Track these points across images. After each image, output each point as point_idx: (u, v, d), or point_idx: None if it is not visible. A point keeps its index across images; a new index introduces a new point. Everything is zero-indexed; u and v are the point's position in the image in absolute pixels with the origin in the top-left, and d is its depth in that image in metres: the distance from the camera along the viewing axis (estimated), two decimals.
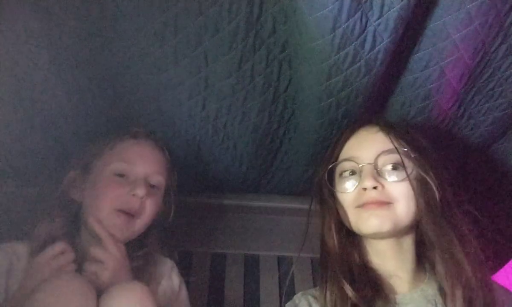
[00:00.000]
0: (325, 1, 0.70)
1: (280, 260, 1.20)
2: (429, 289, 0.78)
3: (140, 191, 0.83)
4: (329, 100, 0.87)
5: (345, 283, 0.74)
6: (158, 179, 0.89)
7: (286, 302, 0.86)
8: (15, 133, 0.97)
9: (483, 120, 1.01)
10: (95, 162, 0.88)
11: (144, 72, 0.87)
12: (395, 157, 0.79)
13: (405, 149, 0.79)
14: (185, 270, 1.13)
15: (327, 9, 0.71)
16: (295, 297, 0.85)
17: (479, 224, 0.80)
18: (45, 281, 0.69)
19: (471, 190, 1.23)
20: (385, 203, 0.76)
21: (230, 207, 1.23)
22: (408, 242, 0.81)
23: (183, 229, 1.16)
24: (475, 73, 0.89)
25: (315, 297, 0.82)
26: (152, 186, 0.88)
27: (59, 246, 0.77)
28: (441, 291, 0.76)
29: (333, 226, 0.82)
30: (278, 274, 1.16)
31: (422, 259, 0.82)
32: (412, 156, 0.79)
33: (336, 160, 0.85)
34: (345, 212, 0.81)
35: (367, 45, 0.77)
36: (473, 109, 0.99)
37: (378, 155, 0.79)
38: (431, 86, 0.89)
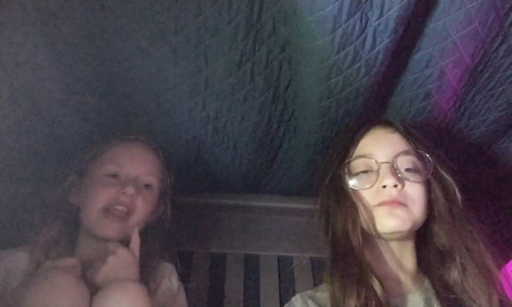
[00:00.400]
0: (325, 1, 0.70)
1: (280, 260, 1.20)
2: (428, 292, 0.78)
3: (129, 189, 0.85)
4: (329, 100, 0.87)
5: (375, 280, 0.72)
6: (150, 179, 0.91)
7: (285, 302, 0.86)
8: (15, 133, 0.97)
9: (483, 120, 1.01)
10: (90, 166, 0.91)
11: (144, 72, 0.87)
12: (412, 159, 0.79)
13: (425, 153, 0.80)
14: (185, 270, 1.13)
15: (327, 9, 0.71)
16: (293, 298, 0.84)
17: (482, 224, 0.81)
18: (37, 279, 0.70)
19: (471, 190, 1.23)
20: (403, 205, 0.76)
21: (230, 207, 1.23)
22: (410, 244, 0.82)
23: (183, 229, 1.16)
24: (475, 73, 0.89)
25: (313, 299, 0.81)
26: (146, 186, 0.91)
27: (72, 261, 0.78)
28: (437, 294, 0.76)
29: (358, 224, 0.79)
30: (278, 274, 1.16)
31: (422, 262, 0.82)
32: (430, 159, 0.79)
33: (350, 158, 0.84)
34: (361, 210, 0.80)
35: (367, 45, 0.77)
36: (473, 109, 0.99)
37: (397, 155, 0.79)
38: (431, 86, 0.89)
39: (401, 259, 0.80)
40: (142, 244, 0.88)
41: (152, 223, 0.94)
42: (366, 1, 0.72)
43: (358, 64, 0.80)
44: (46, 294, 0.67)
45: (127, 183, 0.86)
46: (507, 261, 1.26)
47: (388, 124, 0.85)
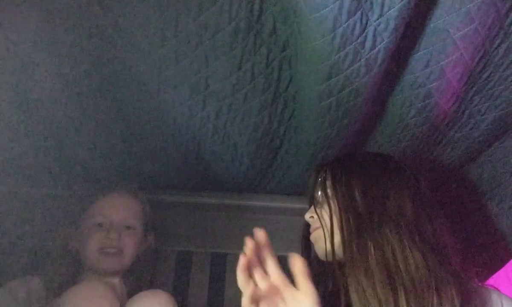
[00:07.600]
0: (325, 1, 0.70)
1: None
2: None
3: (112, 235, 1.03)
4: (329, 100, 0.87)
5: None
6: (131, 222, 1.09)
7: None
8: (14, 133, 0.97)
9: (483, 120, 1.01)
10: (82, 218, 1.08)
11: (144, 72, 0.87)
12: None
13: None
14: (185, 270, 1.14)
15: (327, 9, 0.71)
16: None
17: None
18: (73, 287, 0.83)
19: (471, 190, 1.23)
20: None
21: (230, 207, 1.23)
22: None
23: (183, 229, 1.16)
24: (475, 72, 0.89)
25: None
26: (128, 228, 1.07)
27: None
28: None
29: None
30: None
31: None
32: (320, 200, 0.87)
33: None
34: None
35: (367, 45, 0.77)
36: (473, 109, 0.99)
37: None
38: (431, 85, 0.89)
39: None
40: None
41: (142, 254, 1.10)
42: (366, 1, 0.72)
43: (358, 64, 0.80)
44: (82, 302, 0.78)
45: (110, 230, 1.04)
46: (507, 259, 1.26)
47: None
